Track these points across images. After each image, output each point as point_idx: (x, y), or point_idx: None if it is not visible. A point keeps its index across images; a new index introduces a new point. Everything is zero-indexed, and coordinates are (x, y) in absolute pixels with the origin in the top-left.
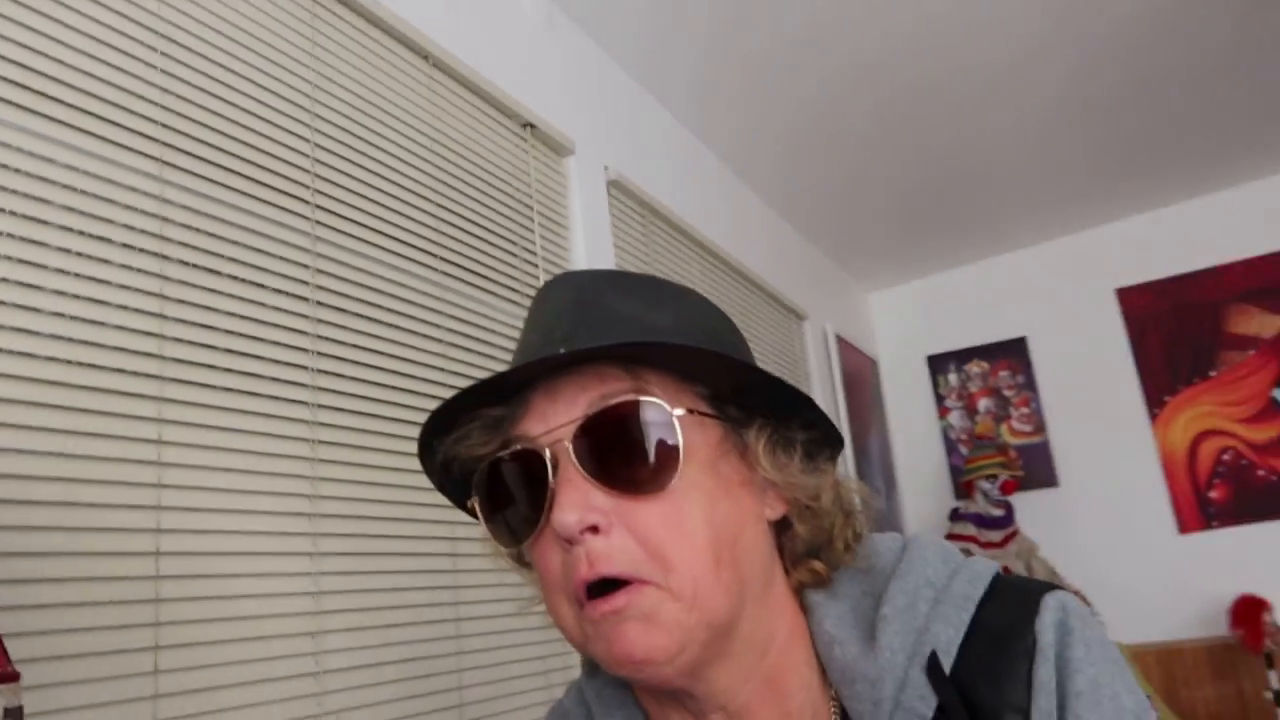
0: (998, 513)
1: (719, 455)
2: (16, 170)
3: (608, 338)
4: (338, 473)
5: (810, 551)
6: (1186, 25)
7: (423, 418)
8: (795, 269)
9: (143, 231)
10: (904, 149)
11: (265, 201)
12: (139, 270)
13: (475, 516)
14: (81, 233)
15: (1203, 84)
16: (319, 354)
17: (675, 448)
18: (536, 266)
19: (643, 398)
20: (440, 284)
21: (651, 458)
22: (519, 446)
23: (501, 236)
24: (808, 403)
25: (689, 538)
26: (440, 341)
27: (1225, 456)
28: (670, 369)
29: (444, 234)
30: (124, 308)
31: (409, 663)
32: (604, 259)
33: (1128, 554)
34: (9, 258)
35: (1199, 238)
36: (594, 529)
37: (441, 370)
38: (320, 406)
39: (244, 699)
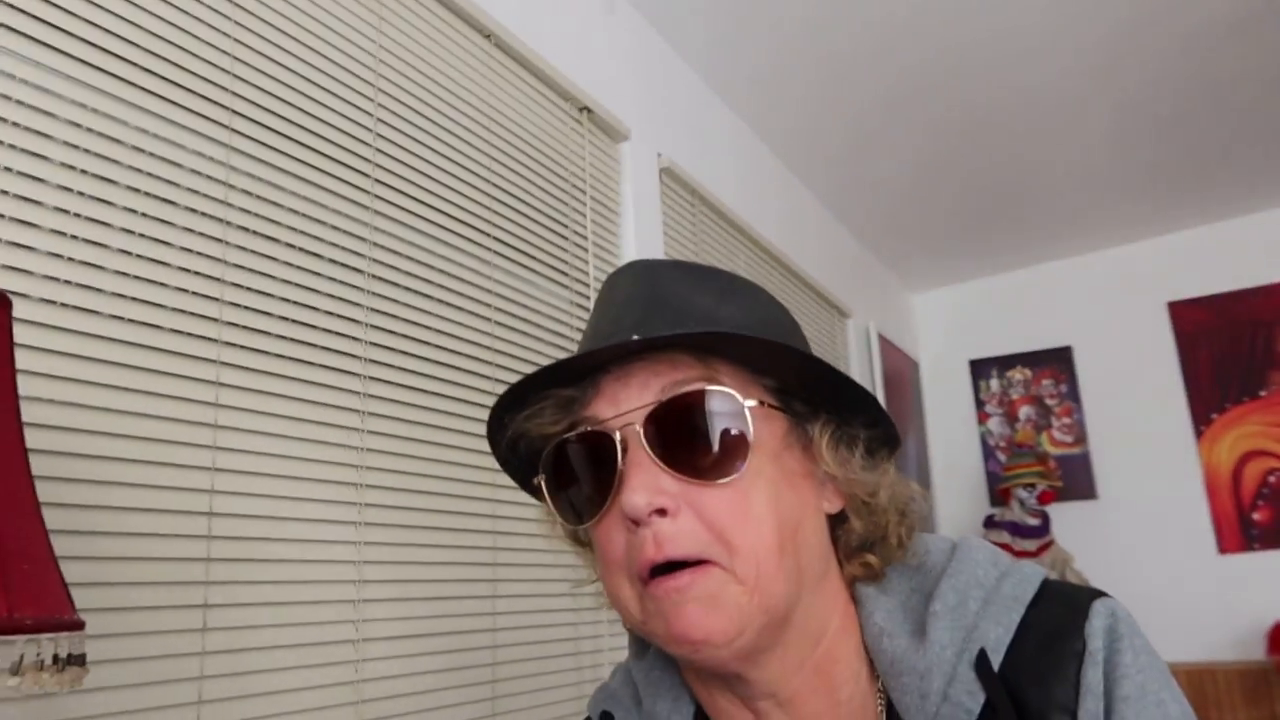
0: (1034, 522)
1: (784, 447)
2: (89, 129)
3: (681, 327)
4: (385, 444)
5: (864, 546)
6: (1244, 42)
7: (469, 395)
8: (841, 266)
9: (207, 197)
10: (959, 154)
11: (327, 173)
12: (202, 235)
13: (537, 496)
14: (148, 194)
15: (1261, 101)
16: (371, 326)
17: (744, 437)
18: (587, 251)
19: (714, 387)
20: (491, 263)
21: (720, 446)
22: (589, 428)
23: (553, 219)
24: (872, 401)
25: (754, 524)
26: (489, 320)
27: (1271, 479)
28: (741, 361)
29: (497, 213)
30: (186, 270)
31: (445, 636)
32: (654, 246)
33: (1165, 571)
34: (79, 215)
35: (1254, 254)
36: (662, 511)
37: (489, 349)
38: (370, 379)
39: (285, 660)
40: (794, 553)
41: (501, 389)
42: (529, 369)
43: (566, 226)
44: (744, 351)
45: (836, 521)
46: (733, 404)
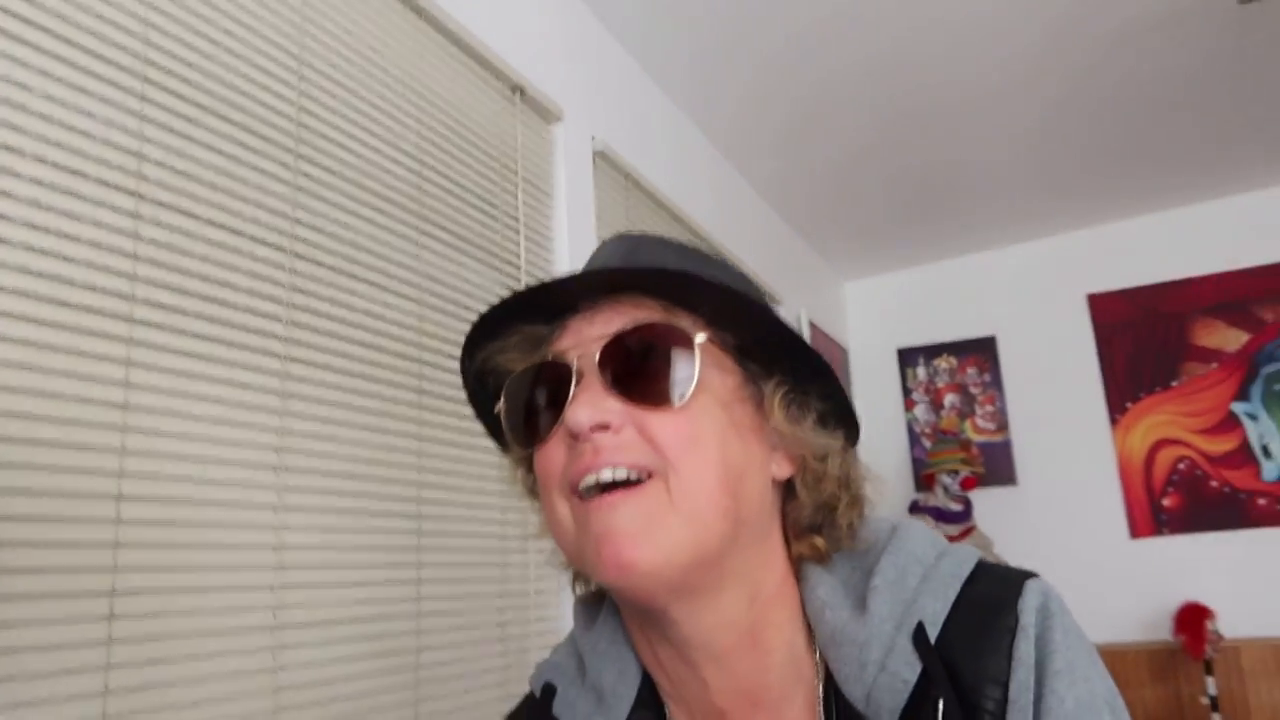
0: (956, 507)
1: (735, 399)
2: None
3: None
4: (306, 426)
5: (813, 527)
6: (1171, 44)
7: (395, 376)
8: (773, 252)
9: (119, 168)
10: (892, 145)
11: (247, 147)
12: (113, 208)
13: (496, 434)
14: (56, 165)
15: (1184, 101)
16: (293, 306)
17: (694, 368)
18: (518, 233)
19: (670, 322)
20: (419, 243)
21: (671, 375)
22: (550, 358)
23: (484, 200)
24: (829, 373)
25: (698, 451)
26: (416, 302)
27: (1181, 466)
28: (704, 314)
29: (426, 192)
30: (96, 245)
31: (369, 622)
32: (586, 228)
33: (1079, 555)
34: None
35: (1171, 249)
36: (604, 426)
37: (416, 330)
38: (291, 359)
39: (199, 649)
40: (734, 497)
41: (429, 372)
42: (458, 351)
43: (497, 207)
44: (707, 303)
45: (786, 495)
46: (685, 338)
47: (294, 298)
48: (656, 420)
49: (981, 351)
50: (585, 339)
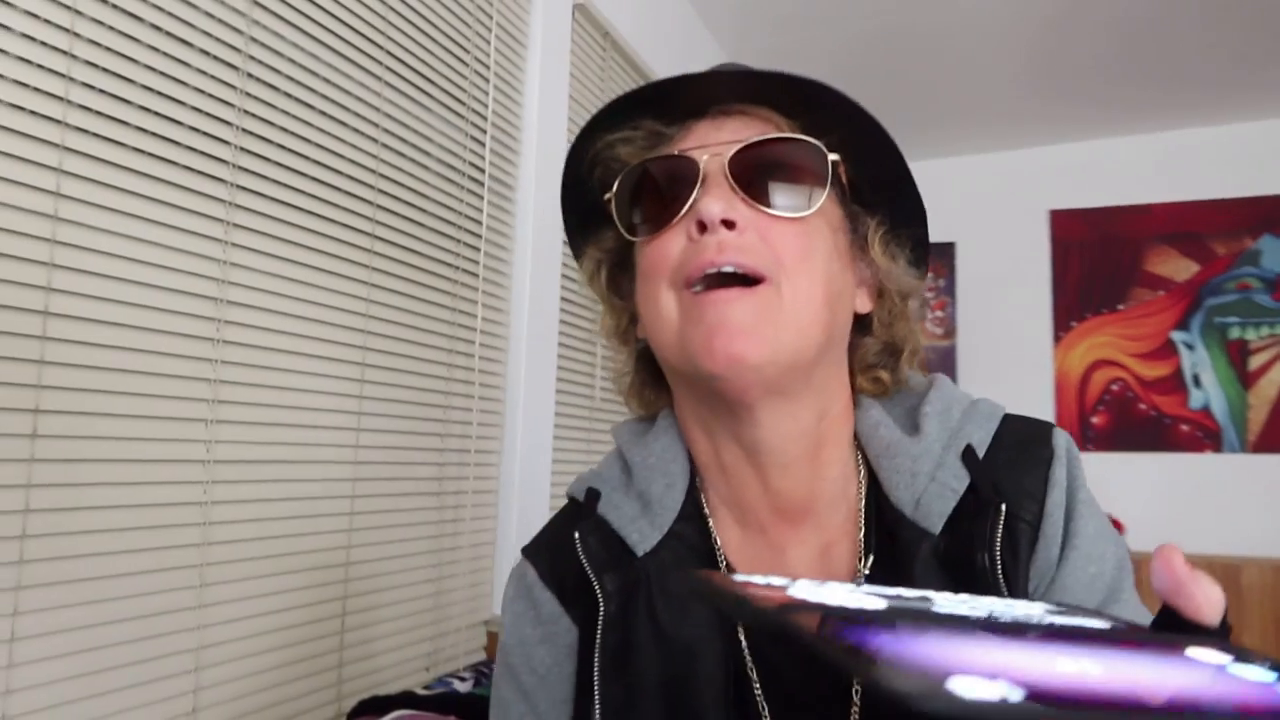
0: None
1: (841, 228)
2: None
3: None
4: (251, 260)
5: (878, 364)
6: None
7: (347, 218)
8: None
9: None
10: (871, 33)
11: None
12: (40, 19)
13: (569, 230)
14: None
15: (1161, 25)
16: (244, 130)
17: (822, 186)
18: (488, 82)
19: (803, 137)
20: (383, 79)
21: (799, 188)
22: (678, 153)
23: (457, 44)
24: (924, 218)
25: (810, 265)
26: (375, 141)
27: (1114, 387)
28: (830, 141)
29: (395, 27)
30: (29, 38)
31: (304, 464)
32: (559, 84)
33: None
34: None
35: (1135, 174)
36: (732, 224)
37: (372, 172)
38: (239, 188)
39: (129, 476)
40: (832, 314)
41: (384, 216)
42: (415, 199)
43: (469, 54)
44: (838, 129)
45: (857, 331)
46: (817, 154)
47: (244, 121)
48: (778, 229)
49: (940, 257)
50: (715, 142)
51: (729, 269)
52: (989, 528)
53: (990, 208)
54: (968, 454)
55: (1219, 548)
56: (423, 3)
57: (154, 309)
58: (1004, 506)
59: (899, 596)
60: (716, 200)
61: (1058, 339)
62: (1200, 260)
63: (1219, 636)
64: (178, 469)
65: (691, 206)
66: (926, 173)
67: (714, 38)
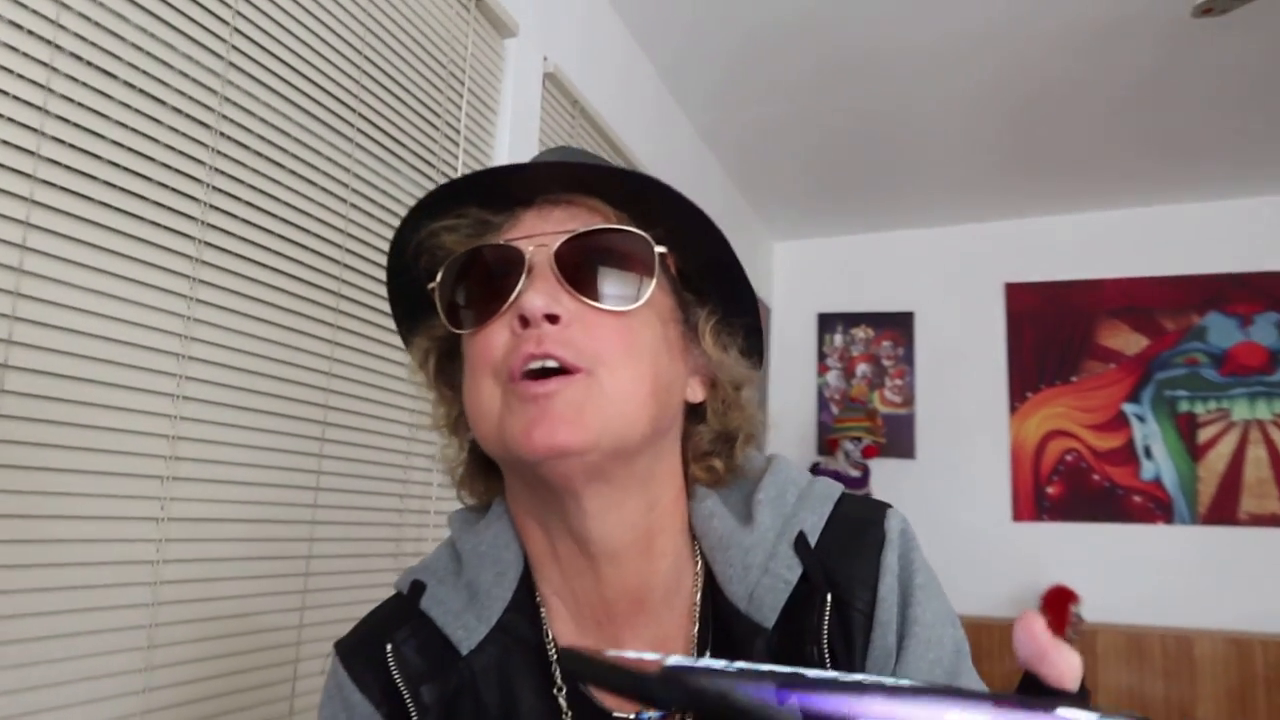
0: (855, 474)
1: (671, 319)
2: None
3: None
4: (216, 316)
5: (712, 452)
6: (1117, 50)
7: (314, 277)
8: (708, 201)
9: (35, 13)
10: (835, 109)
11: (179, 11)
12: (25, 55)
13: (400, 323)
14: None
15: (1121, 108)
16: (213, 188)
17: (649, 280)
18: (458, 145)
19: (630, 228)
20: (354, 141)
21: (624, 280)
22: (503, 242)
23: (427, 108)
24: (756, 309)
25: (635, 358)
26: (344, 202)
27: (1068, 457)
28: (657, 232)
29: (368, 90)
30: (2, 93)
31: (261, 523)
32: (528, 149)
33: (964, 531)
34: None
35: (1088, 250)
36: (555, 318)
37: (341, 232)
38: (206, 244)
39: (79, 532)
40: (659, 405)
41: (351, 275)
42: (382, 259)
43: (440, 118)
44: (665, 220)
45: (689, 420)
46: (644, 246)
47: (215, 179)
48: (603, 322)
49: (898, 326)
50: (541, 232)
51: (551, 364)
52: (817, 618)
53: (948, 279)
54: (800, 542)
55: (1171, 619)
56: (395, 67)
57: (116, 364)
58: (829, 596)
59: (772, 670)
60: (539, 294)
61: (1014, 409)
62: (1150, 334)
63: (1081, 700)
64: (131, 527)
65: (515, 300)
66: (886, 244)
67: (683, 110)
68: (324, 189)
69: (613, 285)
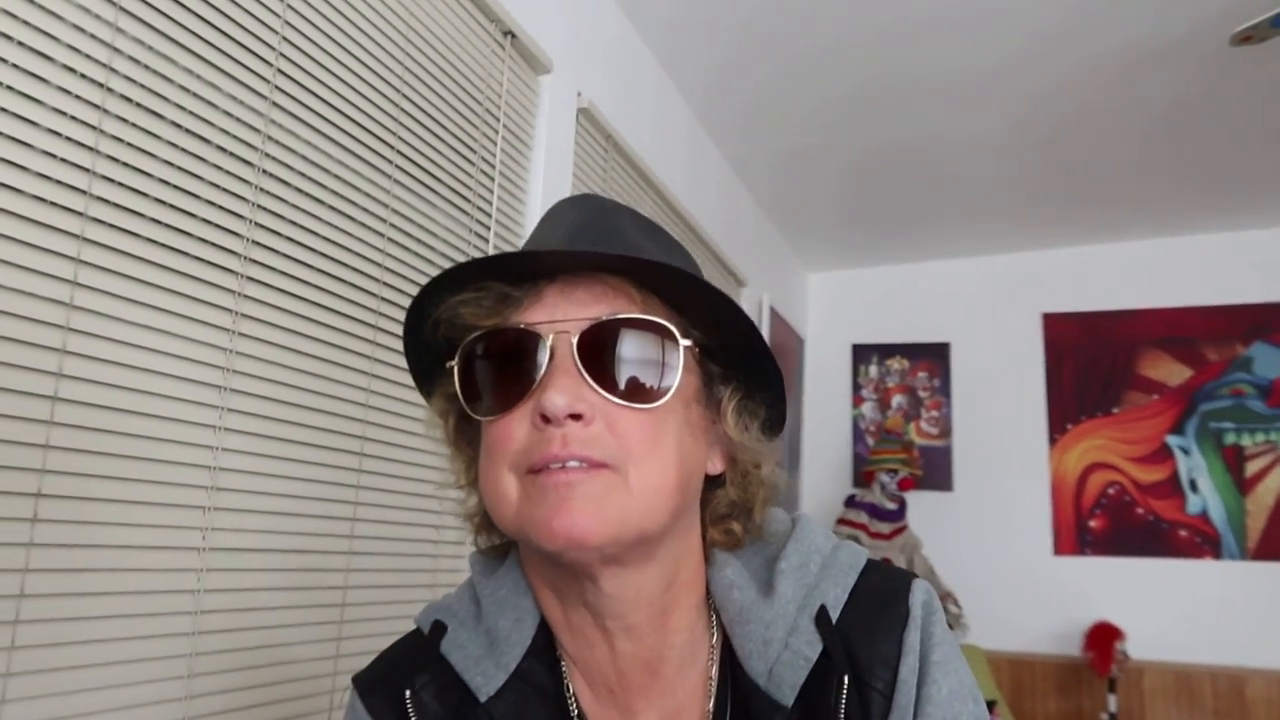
0: (891, 506)
1: (694, 399)
2: None
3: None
4: (256, 349)
5: (730, 514)
6: (1156, 76)
7: (353, 310)
8: (743, 234)
9: (89, 58)
10: (867, 140)
11: (225, 54)
12: (79, 98)
13: (421, 390)
14: (23, 44)
15: (1160, 135)
16: (256, 224)
17: (672, 373)
18: (493, 180)
19: (658, 319)
20: (392, 177)
21: (647, 375)
22: (524, 325)
23: (463, 144)
24: (781, 383)
25: (660, 453)
26: (382, 236)
27: (1111, 490)
28: (677, 307)
29: (406, 128)
30: (55, 134)
31: (299, 554)
32: (562, 185)
33: (1003, 566)
34: None
35: (1129, 279)
36: (577, 417)
37: (379, 266)
38: (248, 279)
39: (123, 561)
40: (682, 494)
41: (388, 309)
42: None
43: (476, 154)
44: (684, 297)
45: (709, 485)
46: (669, 341)
47: (258, 216)
48: (626, 418)
49: (934, 357)
50: (562, 315)
51: (573, 464)
52: (835, 699)
53: (984, 309)
54: (821, 616)
55: (1223, 658)
56: (433, 105)
57: (160, 396)
58: (846, 678)
59: None
60: (561, 392)
61: (1053, 441)
62: (1193, 365)
63: None
64: (174, 556)
65: (536, 392)
66: (921, 274)
67: (715, 142)
68: (363, 224)
69: (637, 378)
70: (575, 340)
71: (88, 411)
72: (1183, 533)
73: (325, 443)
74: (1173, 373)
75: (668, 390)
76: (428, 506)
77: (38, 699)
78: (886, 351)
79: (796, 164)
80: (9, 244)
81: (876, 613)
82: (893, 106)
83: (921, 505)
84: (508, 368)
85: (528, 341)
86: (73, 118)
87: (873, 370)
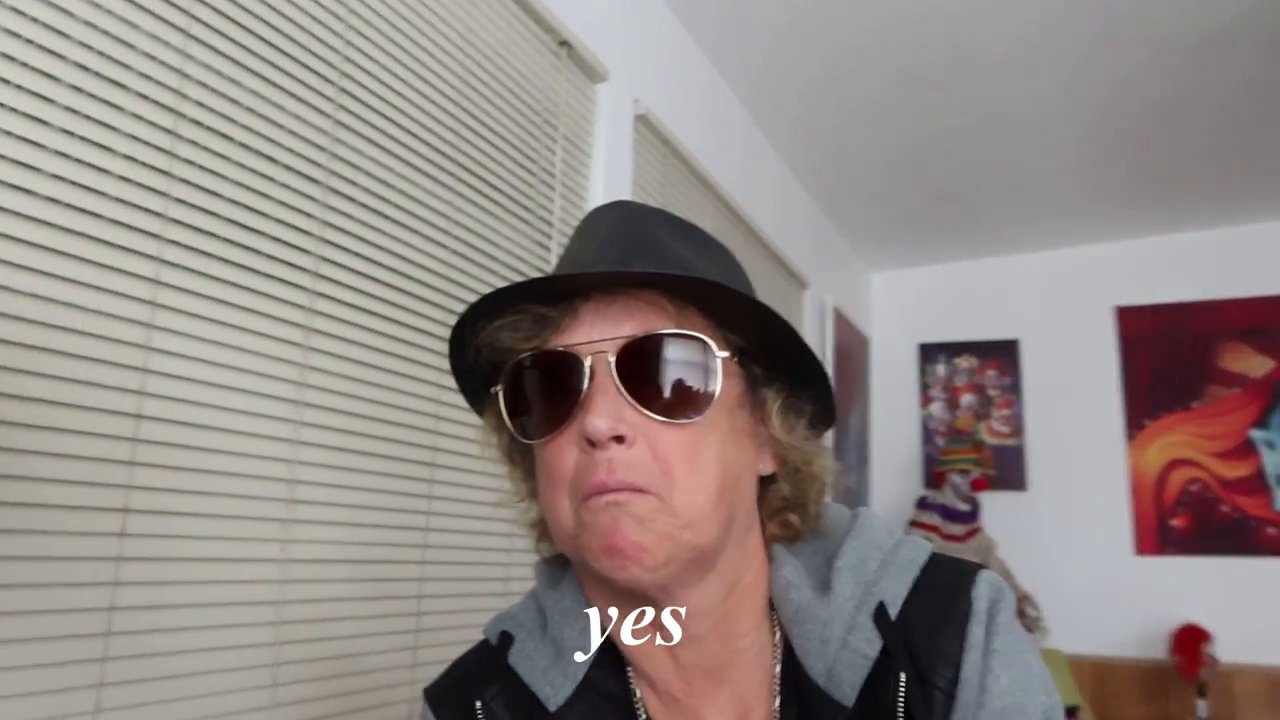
0: (964, 507)
1: (738, 405)
2: None
3: (668, 269)
4: (328, 364)
5: (786, 507)
6: (1225, 60)
7: (419, 322)
8: (803, 235)
9: (160, 84)
10: (930, 131)
11: (290, 75)
12: (152, 124)
13: (475, 408)
14: (98, 74)
15: (1229, 122)
16: (324, 240)
17: (709, 386)
18: (553, 190)
19: (692, 333)
20: (454, 190)
21: (685, 390)
22: (562, 348)
23: (524, 155)
24: (826, 379)
25: (701, 468)
26: (445, 248)
27: (1193, 487)
28: (714, 314)
29: (465, 139)
30: (131, 159)
31: (374, 564)
32: (621, 193)
33: (1083, 567)
34: (21, 87)
35: (1205, 269)
36: (619, 439)
37: (443, 278)
38: (318, 294)
39: (205, 574)
40: (729, 503)
41: (453, 319)
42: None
43: (535, 163)
44: (720, 305)
45: (763, 482)
46: (705, 354)
47: (325, 233)
48: (667, 435)
49: (1003, 354)
50: (599, 335)
51: (621, 491)
52: (894, 697)
53: (1054, 304)
54: (880, 614)
55: None
56: (493, 118)
57: (237, 411)
58: (904, 676)
59: None
60: (603, 416)
61: (1130, 437)
62: (1277, 357)
63: None
64: (254, 568)
65: (579, 415)
66: (987, 270)
67: (770, 144)
68: (427, 237)
69: (677, 393)
70: (613, 360)
71: (169, 428)
72: (1270, 530)
73: (398, 454)
74: (1254, 364)
75: (708, 402)
76: (499, 515)
77: (132, 708)
78: (954, 350)
79: (855, 162)
80: (92, 268)
81: (938, 608)
82: (952, 95)
83: (995, 506)
84: (550, 390)
85: (567, 364)
86: (147, 143)
87: (940, 369)
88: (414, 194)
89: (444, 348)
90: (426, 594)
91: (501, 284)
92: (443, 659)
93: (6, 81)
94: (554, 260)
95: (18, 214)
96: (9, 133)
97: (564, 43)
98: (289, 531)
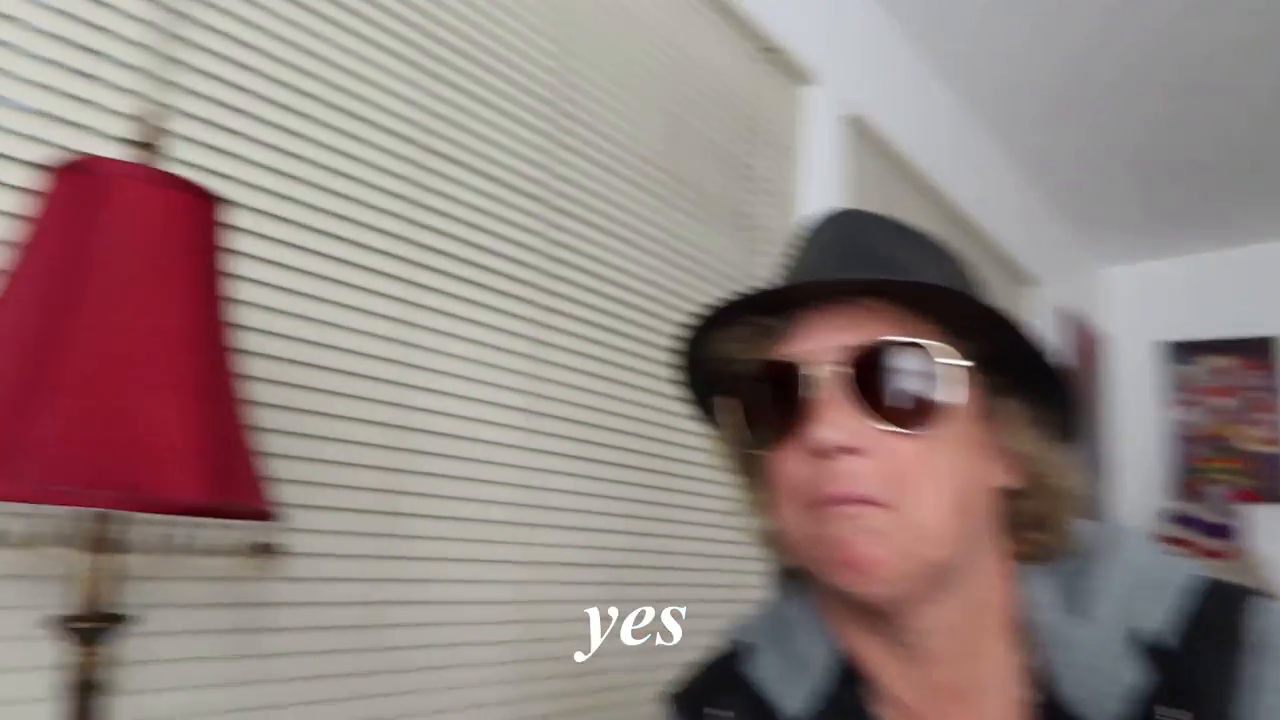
0: (1222, 521)
1: (971, 415)
2: (293, 44)
3: (894, 276)
4: (558, 375)
5: (1033, 524)
6: None
7: (638, 332)
8: (1030, 232)
9: (405, 119)
10: (1170, 115)
11: (512, 99)
12: (400, 156)
13: (703, 417)
14: (348, 112)
15: None
16: (551, 258)
17: (945, 394)
18: (767, 197)
19: (922, 341)
20: (669, 201)
21: (916, 400)
22: (788, 359)
23: (733, 164)
24: (1069, 386)
25: (936, 481)
26: (662, 259)
27: None
28: (945, 321)
29: (677, 150)
30: (384, 190)
31: (613, 569)
32: (833, 197)
33: None
34: (276, 148)
35: None
36: (848, 450)
37: (658, 287)
38: (550, 310)
39: (455, 574)
40: (964, 518)
41: (669, 328)
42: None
43: (752, 175)
44: (950, 311)
45: (1006, 497)
46: (933, 362)
47: (553, 250)
48: (899, 447)
49: (1257, 353)
50: (824, 344)
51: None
52: None
53: None
54: (1143, 641)
55: None
56: (702, 128)
57: (476, 420)
58: (1176, 711)
59: None
60: (831, 426)
61: None
62: None
63: None
64: (496, 570)
65: (807, 426)
66: (1237, 261)
67: (1000, 141)
68: (644, 249)
69: (906, 404)
70: (839, 370)
71: (424, 438)
72: None
73: (632, 462)
74: None
75: (939, 412)
76: (729, 524)
77: (398, 695)
78: (1200, 349)
79: (1091, 153)
80: (358, 292)
81: (1212, 639)
82: (1200, 82)
83: (1256, 520)
84: (774, 401)
85: (791, 374)
86: (398, 175)
87: (1186, 370)
88: (630, 207)
89: (665, 357)
90: (663, 598)
91: (715, 292)
92: (681, 660)
93: (280, 126)
94: (763, 268)
95: (281, 241)
96: (284, 172)
97: (769, 48)
98: (529, 535)
